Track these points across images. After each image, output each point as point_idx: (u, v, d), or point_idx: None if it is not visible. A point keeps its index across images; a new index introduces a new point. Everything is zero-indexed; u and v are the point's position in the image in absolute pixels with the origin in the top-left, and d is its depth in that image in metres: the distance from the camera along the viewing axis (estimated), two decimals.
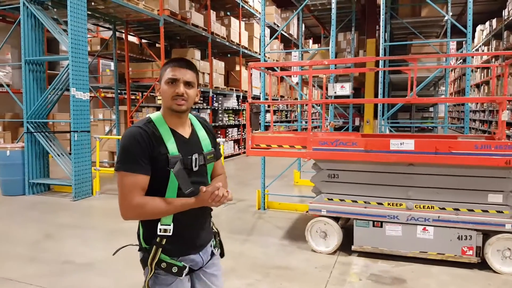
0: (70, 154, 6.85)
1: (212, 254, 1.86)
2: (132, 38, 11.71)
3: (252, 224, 5.39)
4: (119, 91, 10.69)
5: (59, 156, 7.03)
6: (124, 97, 10.09)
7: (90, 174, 7.02)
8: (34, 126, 7.06)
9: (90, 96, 6.90)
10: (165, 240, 1.64)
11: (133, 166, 1.56)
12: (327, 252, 4.22)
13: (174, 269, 1.66)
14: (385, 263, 4.00)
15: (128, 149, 1.57)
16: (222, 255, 1.95)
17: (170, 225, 1.64)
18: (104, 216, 6.03)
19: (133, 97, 14.09)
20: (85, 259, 4.11)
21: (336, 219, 4.25)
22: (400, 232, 3.98)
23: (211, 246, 1.85)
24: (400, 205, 3.98)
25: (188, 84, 1.65)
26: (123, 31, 10.15)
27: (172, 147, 1.62)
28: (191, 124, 1.78)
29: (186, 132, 1.72)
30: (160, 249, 1.64)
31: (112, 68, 10.20)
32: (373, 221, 4.04)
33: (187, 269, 1.69)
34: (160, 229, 1.63)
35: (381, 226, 4.03)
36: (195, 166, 1.68)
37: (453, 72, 22.22)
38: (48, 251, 4.36)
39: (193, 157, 1.68)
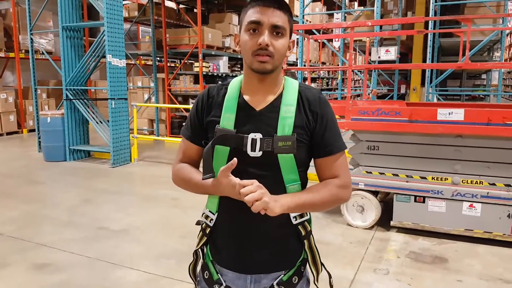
0: (108, 121, 6.95)
1: None
2: (170, 3, 11.53)
3: None
4: (157, 58, 10.67)
5: (98, 123, 7.16)
6: (163, 64, 10.05)
7: (128, 141, 7.12)
8: (72, 93, 7.19)
9: (129, 64, 6.90)
10: (208, 230, 1.30)
11: (185, 131, 1.33)
12: (363, 227, 4.03)
13: (206, 274, 1.33)
14: (426, 240, 3.77)
15: (190, 112, 1.33)
16: None
17: (214, 213, 1.28)
18: (141, 183, 6.12)
19: (172, 64, 14.11)
20: (120, 225, 4.17)
21: (375, 193, 4.02)
22: (444, 208, 3.71)
23: (275, 279, 1.27)
24: (445, 180, 3.68)
25: (276, 30, 1.15)
26: None
27: (227, 118, 1.21)
28: (281, 94, 1.24)
29: (261, 103, 1.23)
30: (205, 238, 1.31)
31: (151, 35, 10.14)
32: (415, 196, 3.79)
33: None
34: (203, 213, 1.32)
35: (424, 202, 3.77)
36: (252, 150, 1.18)
37: (509, 36, 20.43)
38: (85, 216, 4.47)
39: (250, 137, 1.18)
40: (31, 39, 7.87)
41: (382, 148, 3.88)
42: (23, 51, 10.53)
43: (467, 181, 3.62)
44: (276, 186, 1.20)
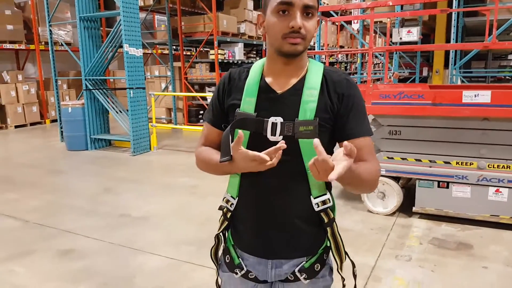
0: (128, 110, 7.01)
1: (297, 278, 1.25)
2: None
3: None
4: (173, 46, 10.66)
5: (117, 112, 7.23)
6: (179, 53, 10.04)
7: (147, 130, 7.18)
8: (92, 83, 7.26)
9: (146, 53, 6.91)
10: (229, 214, 1.29)
11: (207, 115, 1.33)
12: (385, 213, 3.96)
13: (227, 258, 1.32)
14: (450, 226, 3.68)
15: (212, 96, 1.31)
16: None
17: (234, 198, 1.27)
18: (160, 171, 6.17)
19: (188, 53, 14.09)
20: (140, 213, 4.22)
21: (396, 178, 3.94)
22: (468, 194, 3.61)
23: (297, 265, 1.25)
24: (470, 165, 3.57)
25: (307, 10, 1.09)
26: None
27: (247, 101, 1.18)
28: (304, 77, 1.19)
29: (283, 86, 1.18)
30: (226, 222, 1.30)
31: (167, 23, 10.12)
32: (439, 182, 3.69)
33: (242, 272, 1.29)
34: (224, 198, 1.30)
35: (447, 187, 3.67)
36: (273, 134, 1.15)
37: None
38: (106, 204, 4.54)
39: (270, 121, 1.15)
40: (50, 30, 7.97)
41: (404, 132, 3.78)
42: (43, 43, 10.69)
43: (493, 165, 3.49)
44: (297, 172, 1.18)
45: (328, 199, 1.24)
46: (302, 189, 1.21)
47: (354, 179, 1.08)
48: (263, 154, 1.04)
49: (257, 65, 1.25)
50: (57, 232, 3.77)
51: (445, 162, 3.65)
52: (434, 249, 3.28)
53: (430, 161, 3.71)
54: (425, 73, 8.95)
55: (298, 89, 1.17)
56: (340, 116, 1.18)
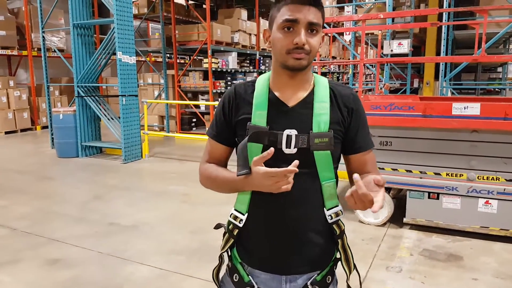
0: (120, 118, 6.97)
1: None
2: (179, 0, 11.51)
3: None
4: (167, 54, 10.67)
5: (109, 119, 7.19)
6: (173, 61, 10.06)
7: (139, 137, 7.14)
8: (84, 90, 7.22)
9: (140, 60, 6.91)
10: (236, 231, 1.25)
11: (210, 130, 1.31)
12: (376, 223, 3.97)
13: (235, 277, 1.27)
14: (440, 237, 3.69)
15: (215, 111, 1.31)
16: None
17: (243, 214, 1.23)
18: (152, 178, 6.13)
19: (181, 61, 14.11)
20: (130, 221, 4.17)
21: (387, 189, 3.95)
22: (458, 205, 3.63)
23: (309, 279, 1.24)
24: (460, 176, 3.60)
25: (311, 27, 1.13)
26: None
27: (259, 114, 1.18)
28: (312, 91, 1.22)
29: (293, 99, 1.20)
30: (231, 240, 1.26)
31: (161, 31, 10.14)
32: (429, 193, 3.71)
33: None
34: (231, 214, 1.27)
35: (438, 198, 3.69)
36: (288, 147, 1.15)
37: None
38: (96, 211, 4.49)
39: (284, 133, 1.15)
40: (43, 37, 7.93)
41: (395, 143, 3.81)
42: (36, 49, 10.63)
43: (483, 177, 3.53)
44: (312, 184, 1.20)
45: (340, 210, 1.25)
46: (316, 201, 1.22)
47: None
48: (282, 170, 1.04)
49: (263, 79, 1.26)
50: (45, 241, 3.72)
51: (435, 174, 3.68)
52: (424, 260, 3.29)
53: (421, 172, 3.74)
54: (416, 85, 9.04)
55: (308, 102, 1.20)
56: (351, 130, 1.23)
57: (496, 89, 10.72)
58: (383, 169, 3.87)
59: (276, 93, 1.21)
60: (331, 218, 1.23)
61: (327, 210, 1.23)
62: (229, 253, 1.32)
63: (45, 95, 8.45)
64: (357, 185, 0.96)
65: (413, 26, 5.79)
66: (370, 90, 13.66)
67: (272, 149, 1.05)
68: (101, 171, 6.41)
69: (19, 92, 10.35)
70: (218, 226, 1.36)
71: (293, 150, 1.15)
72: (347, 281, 1.28)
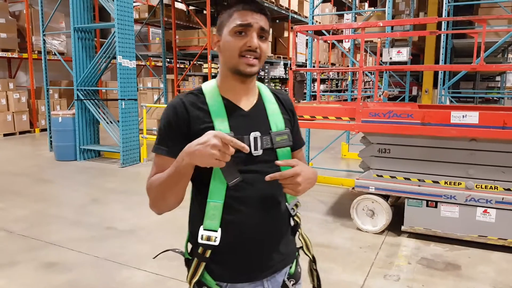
0: (118, 121, 6.97)
1: (285, 286, 1.28)
2: (180, 5, 11.56)
3: None
4: (167, 59, 10.70)
5: (108, 123, 7.19)
6: (173, 65, 10.08)
7: (138, 141, 7.14)
8: (83, 93, 7.23)
9: (140, 65, 6.94)
10: (209, 252, 1.18)
11: (160, 146, 1.21)
12: (373, 231, 3.96)
13: None
14: (438, 246, 3.68)
15: (160, 126, 1.23)
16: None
17: (216, 230, 1.17)
18: None
19: (181, 66, 14.14)
20: (127, 225, 4.16)
21: (385, 197, 3.95)
22: (457, 214, 3.63)
23: (285, 274, 1.29)
24: (458, 184, 3.60)
25: (261, 33, 1.18)
26: None
27: (220, 122, 1.18)
28: (259, 95, 1.29)
29: (247, 104, 1.25)
30: (203, 264, 1.19)
31: (161, 36, 10.18)
32: (427, 201, 3.71)
33: None
34: (202, 235, 1.17)
35: (436, 207, 3.69)
36: (256, 149, 1.19)
37: None
38: (93, 215, 4.48)
39: (251, 136, 1.19)
40: (44, 40, 7.95)
41: (394, 151, 3.81)
42: (36, 52, 10.65)
43: (481, 186, 3.53)
44: (277, 181, 1.21)
45: (298, 201, 1.33)
46: (281, 197, 1.27)
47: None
48: (239, 142, 1.04)
49: (210, 87, 1.25)
50: (42, 244, 3.70)
51: (434, 182, 3.68)
52: (422, 269, 3.28)
53: (419, 180, 3.74)
54: (414, 92, 9.07)
55: (260, 105, 1.27)
56: (292, 130, 1.32)
57: (495, 98, 10.76)
58: (381, 176, 3.87)
59: (230, 99, 1.23)
60: (294, 211, 1.30)
61: (289, 204, 1.29)
62: (196, 278, 1.21)
63: (45, 98, 8.45)
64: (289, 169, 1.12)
65: (412, 34, 5.83)
66: (368, 97, 13.70)
67: (247, 148, 1.05)
68: (99, 174, 6.40)
69: (19, 94, 10.34)
70: (157, 256, 1.39)
71: (260, 152, 1.20)
72: (310, 267, 1.39)
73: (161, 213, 1.24)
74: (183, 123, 1.19)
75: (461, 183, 3.59)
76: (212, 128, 1.16)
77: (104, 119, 7.24)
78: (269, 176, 1.12)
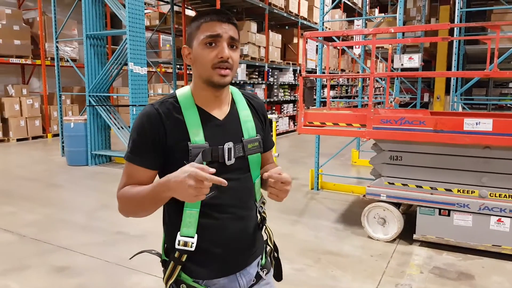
0: (129, 127, 7.02)
1: (258, 277, 1.37)
2: (190, 12, 11.67)
3: (303, 204, 5.17)
4: (177, 66, 10.78)
5: (119, 129, 7.25)
6: (183, 72, 10.16)
7: None
8: (95, 99, 7.31)
9: (150, 71, 7.01)
10: (185, 256, 1.23)
11: (133, 156, 1.22)
12: (385, 239, 3.91)
13: None
14: (451, 255, 3.62)
15: (133, 134, 1.22)
16: (278, 278, 1.47)
17: (193, 237, 1.22)
18: None
19: (191, 72, 14.23)
20: (137, 230, 4.17)
21: (397, 204, 3.90)
22: (470, 223, 3.56)
23: (258, 265, 1.38)
24: (472, 193, 3.54)
25: (232, 43, 1.20)
26: (181, 5, 10.12)
27: (196, 133, 1.20)
28: (232, 101, 1.32)
29: (221, 113, 1.28)
30: (179, 266, 1.24)
31: (172, 43, 10.26)
32: (440, 209, 3.65)
33: None
34: (179, 241, 1.21)
35: (449, 215, 3.63)
36: (229, 159, 1.23)
37: None
38: (103, 220, 4.50)
39: (225, 147, 1.22)
40: (57, 47, 8.08)
41: (406, 158, 3.77)
42: (49, 59, 10.82)
43: (495, 194, 3.46)
44: (249, 185, 1.32)
45: (264, 198, 1.40)
46: (252, 197, 1.34)
47: None
48: (215, 178, 1.04)
49: (185, 96, 1.26)
50: (53, 248, 3.72)
51: (446, 190, 3.63)
52: (435, 278, 3.22)
53: (431, 188, 3.69)
54: (426, 99, 9.00)
55: (233, 112, 1.30)
56: (264, 133, 1.38)
57: (508, 105, 10.62)
58: (393, 184, 3.83)
59: (205, 109, 1.26)
60: (262, 208, 1.38)
61: (257, 202, 1.36)
62: (172, 279, 1.27)
63: (57, 104, 8.56)
64: (277, 178, 1.18)
65: (424, 40, 5.80)
66: (379, 103, 13.62)
67: (213, 170, 1.05)
68: (109, 179, 6.44)
69: (32, 100, 10.50)
70: (133, 257, 1.47)
71: (232, 161, 1.24)
72: (270, 255, 1.46)
73: (127, 217, 1.31)
74: (157, 134, 1.19)
75: (474, 192, 3.54)
76: (188, 139, 1.19)
77: (115, 124, 7.30)
78: (267, 175, 1.19)
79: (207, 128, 1.23)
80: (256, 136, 1.31)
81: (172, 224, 1.26)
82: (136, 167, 1.22)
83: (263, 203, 1.40)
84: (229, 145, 1.23)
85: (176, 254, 1.23)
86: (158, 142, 1.20)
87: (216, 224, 1.25)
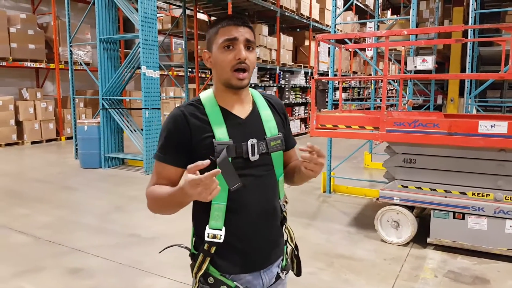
0: (142, 130, 7.09)
1: (278, 277, 1.43)
2: (202, 16, 11.75)
3: (316, 207, 5.15)
4: (189, 69, 10.85)
5: (132, 131, 7.32)
6: (194, 75, 10.22)
7: None
8: (108, 102, 7.39)
9: (162, 75, 7.07)
10: (214, 248, 1.31)
11: (162, 154, 1.32)
12: (398, 243, 3.87)
13: None
14: (465, 259, 3.57)
15: (161, 135, 1.33)
16: (298, 273, 1.55)
17: (220, 229, 1.29)
18: None
19: (202, 75, 14.31)
20: (150, 233, 4.20)
21: (411, 208, 3.86)
22: (485, 226, 3.51)
23: (278, 266, 1.44)
24: (487, 196, 3.49)
25: (248, 44, 1.28)
26: (193, 9, 10.19)
27: (220, 131, 1.28)
28: (253, 102, 1.40)
29: (243, 112, 1.35)
30: (208, 258, 1.31)
31: (183, 46, 10.34)
32: (454, 212, 3.60)
33: None
34: (208, 234, 1.30)
35: (463, 218, 3.58)
36: (253, 155, 1.30)
37: None
38: (116, 222, 4.54)
39: (249, 143, 1.30)
40: (71, 51, 8.19)
41: (419, 161, 3.74)
42: (63, 62, 10.97)
43: (510, 197, 3.41)
44: (273, 181, 1.38)
45: (286, 197, 1.46)
46: (276, 195, 1.40)
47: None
48: (206, 174, 1.06)
49: (208, 97, 1.35)
50: (67, 250, 3.77)
51: (461, 193, 3.59)
52: (449, 282, 3.18)
53: (446, 191, 3.64)
54: (439, 101, 8.90)
55: (255, 112, 1.38)
56: (285, 131, 1.45)
57: None
58: (406, 187, 3.79)
59: (227, 108, 1.33)
60: (284, 207, 1.44)
61: (280, 200, 1.42)
62: (201, 271, 1.34)
63: (71, 107, 8.68)
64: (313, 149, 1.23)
65: (437, 42, 5.74)
66: (392, 105, 13.51)
67: (208, 161, 1.09)
68: (122, 182, 6.50)
69: (46, 103, 10.66)
70: (162, 250, 1.54)
71: (256, 157, 1.31)
72: (291, 254, 1.52)
73: (155, 213, 1.37)
74: (183, 133, 1.29)
75: (489, 195, 3.49)
76: (213, 137, 1.27)
77: (128, 127, 7.37)
78: (309, 147, 1.23)
79: (230, 126, 1.30)
80: (278, 134, 1.38)
81: (201, 218, 1.33)
82: (164, 165, 1.31)
83: (286, 202, 1.45)
84: (252, 141, 1.30)
85: (206, 246, 1.30)
86: (184, 141, 1.29)
87: (242, 219, 1.31)
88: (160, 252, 1.61)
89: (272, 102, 1.45)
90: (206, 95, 1.36)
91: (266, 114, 1.39)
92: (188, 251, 1.41)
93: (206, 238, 1.29)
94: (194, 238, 1.39)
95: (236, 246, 1.32)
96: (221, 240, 1.29)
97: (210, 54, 1.33)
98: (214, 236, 1.29)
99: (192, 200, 1.17)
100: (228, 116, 1.32)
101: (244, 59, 1.26)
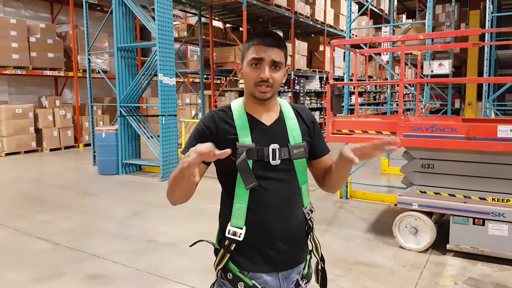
0: (159, 136, 7.17)
1: (298, 284, 1.46)
2: (217, 23, 11.86)
3: (332, 213, 5.12)
4: (204, 76, 10.96)
5: (149, 138, 7.42)
6: (210, 81, 10.33)
7: (177, 156, 7.30)
8: (126, 110, 7.51)
9: (179, 81, 7.16)
10: (234, 245, 1.38)
11: (189, 148, 1.38)
12: (417, 249, 3.82)
13: (240, 285, 1.39)
14: (486, 266, 3.50)
15: (193, 133, 1.44)
16: (323, 287, 1.55)
17: (241, 228, 1.37)
18: None
19: (218, 81, 14.42)
20: (167, 238, 4.24)
21: (429, 213, 3.81)
22: (506, 232, 3.45)
23: (298, 273, 1.46)
24: (507, 201, 3.43)
25: (274, 64, 1.37)
26: (208, 16, 10.31)
27: (243, 134, 1.37)
28: (280, 111, 1.48)
29: (268, 119, 1.44)
30: (228, 255, 1.39)
31: (199, 53, 10.46)
32: (474, 218, 3.54)
33: None
34: (229, 231, 1.38)
35: (483, 224, 3.52)
36: (274, 159, 1.37)
37: None
38: (134, 228, 4.60)
39: (270, 148, 1.37)
40: (89, 59, 8.37)
41: (438, 166, 3.69)
42: (81, 71, 11.21)
43: None
44: (294, 188, 1.43)
45: (312, 206, 1.51)
46: (298, 201, 1.45)
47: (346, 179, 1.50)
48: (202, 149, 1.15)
49: (238, 104, 1.45)
50: (86, 256, 3.83)
51: (481, 198, 3.53)
52: None
53: (465, 196, 3.59)
54: (457, 105, 8.78)
55: (281, 120, 1.45)
56: (314, 138, 1.51)
57: None
58: (425, 192, 3.75)
59: (254, 115, 1.43)
60: (309, 215, 1.48)
61: (305, 208, 1.47)
62: (221, 265, 1.41)
63: (89, 114, 8.84)
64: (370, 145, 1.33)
65: (454, 46, 5.67)
66: (408, 110, 13.37)
67: (229, 150, 1.17)
68: (140, 188, 6.59)
69: (64, 111, 10.89)
70: (193, 244, 1.59)
71: (277, 162, 1.38)
72: (316, 266, 1.53)
73: (173, 204, 1.45)
74: (211, 133, 1.40)
75: (509, 200, 3.42)
76: (237, 139, 1.37)
77: (145, 134, 7.48)
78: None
79: (254, 131, 1.39)
80: (302, 142, 1.43)
81: (225, 216, 1.42)
82: None
83: (311, 210, 1.49)
84: (274, 146, 1.38)
85: (226, 243, 1.38)
86: (211, 140, 1.32)
87: (261, 220, 1.38)
88: (191, 246, 1.68)
89: (300, 111, 1.51)
90: (236, 103, 1.46)
91: (292, 123, 1.45)
92: (213, 246, 1.49)
93: (226, 234, 1.38)
94: (219, 235, 1.46)
95: (256, 245, 1.38)
96: (241, 239, 1.36)
97: (241, 67, 1.43)
98: (234, 234, 1.37)
99: (182, 172, 1.20)
100: (253, 123, 1.41)
101: (266, 79, 1.35)
